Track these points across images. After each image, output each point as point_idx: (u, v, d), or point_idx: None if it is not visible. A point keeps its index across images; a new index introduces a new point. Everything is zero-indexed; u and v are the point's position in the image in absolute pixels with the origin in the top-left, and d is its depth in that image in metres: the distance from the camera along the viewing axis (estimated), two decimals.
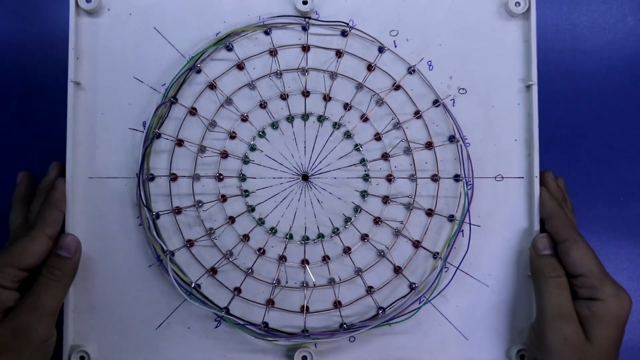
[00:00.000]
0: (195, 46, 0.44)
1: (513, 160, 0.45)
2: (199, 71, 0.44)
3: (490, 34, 0.45)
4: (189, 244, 0.43)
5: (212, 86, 0.44)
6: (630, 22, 0.51)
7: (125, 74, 0.44)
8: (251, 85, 0.44)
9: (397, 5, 0.45)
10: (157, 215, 0.43)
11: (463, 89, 0.45)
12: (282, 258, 0.44)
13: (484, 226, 0.44)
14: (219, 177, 0.44)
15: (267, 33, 0.45)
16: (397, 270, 0.44)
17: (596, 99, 0.50)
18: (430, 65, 0.45)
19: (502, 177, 0.45)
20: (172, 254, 0.43)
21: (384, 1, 0.45)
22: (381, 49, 0.45)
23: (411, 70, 0.45)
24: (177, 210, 0.44)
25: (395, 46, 0.45)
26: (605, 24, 0.47)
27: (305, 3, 0.44)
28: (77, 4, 0.44)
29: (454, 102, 0.45)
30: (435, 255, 0.44)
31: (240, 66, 0.44)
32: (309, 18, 0.44)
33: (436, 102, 0.44)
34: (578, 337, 0.38)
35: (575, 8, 0.51)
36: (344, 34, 0.45)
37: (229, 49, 0.44)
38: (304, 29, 0.45)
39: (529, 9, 0.44)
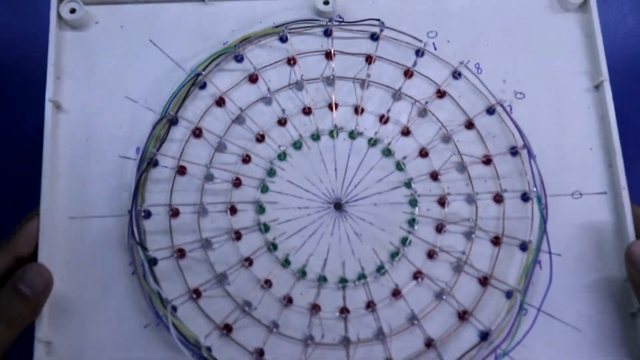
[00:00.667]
0: (196, 58, 0.45)
1: (591, 172, 0.44)
2: (203, 86, 0.45)
3: (545, 29, 0.47)
4: (196, 294, 0.41)
5: (220, 102, 0.44)
6: (630, 22, 0.57)
7: (115, 94, 0.45)
8: (267, 99, 0.45)
9: (431, 4, 0.47)
10: (155, 261, 0.42)
11: (520, 93, 0.45)
12: (315, 307, 0.41)
13: (565, 254, 0.43)
14: (231, 210, 0.43)
15: (283, 40, 0.46)
16: (463, 315, 0.42)
17: None
18: (478, 68, 0.46)
19: (581, 194, 0.44)
20: (174, 308, 0.41)
21: (417, 1, 0.47)
22: (419, 52, 0.46)
23: (456, 74, 0.45)
24: (180, 253, 0.42)
25: (435, 49, 0.46)
26: (605, 23, 0.52)
27: (326, 3, 0.45)
28: (59, 15, 0.45)
29: (511, 109, 0.45)
30: (509, 294, 0.42)
31: (253, 78, 0.45)
32: (333, 20, 0.46)
33: (490, 109, 0.45)
34: None
35: None
36: (373, 37, 0.46)
37: (239, 59, 0.45)
38: (327, 33, 0.46)
39: (586, 1, 0.46)
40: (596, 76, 0.45)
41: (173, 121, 0.44)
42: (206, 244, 0.42)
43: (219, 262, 0.42)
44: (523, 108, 0.45)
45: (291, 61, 0.46)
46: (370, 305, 0.42)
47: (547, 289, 0.42)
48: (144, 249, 0.41)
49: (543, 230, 0.42)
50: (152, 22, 0.46)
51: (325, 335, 0.41)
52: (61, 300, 0.41)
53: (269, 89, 0.45)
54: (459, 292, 0.42)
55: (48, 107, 0.43)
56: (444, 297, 0.42)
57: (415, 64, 0.46)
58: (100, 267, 0.42)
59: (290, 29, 0.46)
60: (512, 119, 0.44)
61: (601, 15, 0.46)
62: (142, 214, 0.43)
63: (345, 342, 0.41)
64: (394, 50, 0.46)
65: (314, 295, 0.42)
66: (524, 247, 0.43)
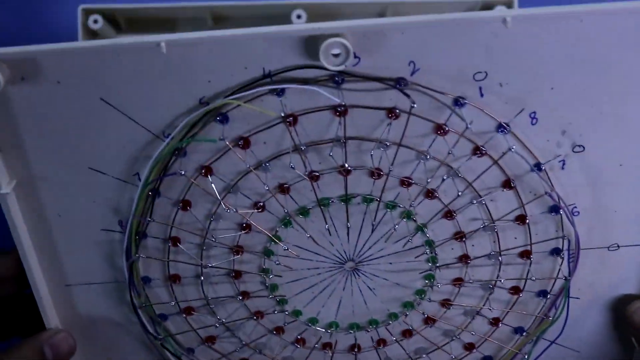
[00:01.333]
0: (166, 118, 0.43)
1: (637, 225, 0.47)
2: (184, 154, 0.44)
3: (625, 66, 0.42)
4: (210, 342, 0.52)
5: (206, 173, 0.44)
6: None
7: (76, 165, 0.44)
8: (264, 167, 0.44)
9: (485, 35, 0.40)
10: (164, 317, 0.50)
11: (580, 146, 0.44)
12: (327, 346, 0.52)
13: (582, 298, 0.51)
14: (236, 275, 0.49)
15: (279, 94, 0.42)
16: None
17: None
18: (533, 117, 0.43)
19: (618, 246, 0.48)
20: None
21: (464, 29, 0.40)
22: (458, 103, 0.42)
23: (503, 131, 0.43)
24: (188, 312, 0.50)
25: (482, 95, 0.42)
26: None
27: (336, 56, 0.40)
28: None
29: (563, 164, 0.45)
30: (519, 333, 0.52)
31: (243, 145, 0.43)
32: (343, 73, 0.41)
33: (538, 167, 0.45)
34: None
35: None
36: (400, 83, 0.42)
37: (222, 121, 0.43)
38: (337, 83, 0.42)
39: None
40: None
41: (155, 195, 0.45)
42: (214, 305, 0.50)
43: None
44: (579, 162, 0.45)
45: (290, 122, 0.43)
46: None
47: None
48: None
49: (567, 289, 0.49)
50: (97, 76, 0.41)
51: None
52: None
53: (264, 163, 0.44)
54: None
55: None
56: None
57: (448, 119, 0.43)
58: (108, 327, 0.51)
59: (285, 84, 0.41)
60: (553, 184, 0.45)
61: None
62: (141, 282, 0.49)
63: None
64: (423, 99, 0.42)
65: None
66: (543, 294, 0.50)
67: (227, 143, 0.43)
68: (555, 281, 0.49)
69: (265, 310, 0.51)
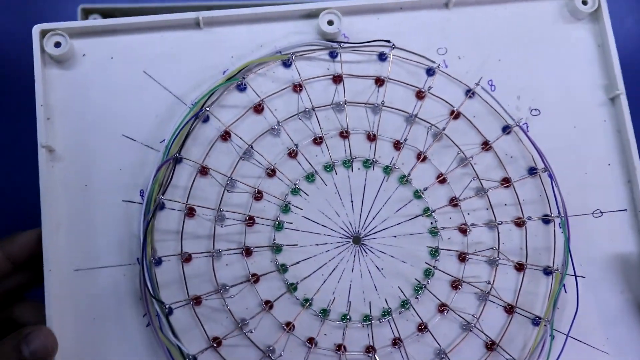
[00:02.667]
0: (197, 89, 0.51)
1: (610, 190, 0.52)
2: (206, 119, 0.51)
3: (557, 40, 0.55)
4: (217, 343, 0.48)
5: (225, 137, 0.51)
6: (628, 23, 0.68)
7: (111, 133, 0.51)
8: (274, 131, 0.51)
9: (440, 20, 0.54)
10: (170, 310, 0.48)
11: (536, 109, 0.53)
12: (341, 348, 0.49)
13: (589, 276, 0.51)
14: (246, 252, 0.49)
15: (287, 65, 0.52)
16: (491, 345, 0.49)
17: None
18: (491, 85, 0.53)
19: (601, 212, 0.52)
20: (195, 359, 0.48)
21: (424, 16, 0.54)
22: (430, 71, 0.53)
23: (471, 94, 0.53)
24: (196, 301, 0.49)
25: (446, 66, 0.53)
26: None
27: (331, 24, 0.52)
28: (42, 50, 0.50)
29: (527, 127, 0.53)
30: (536, 321, 0.50)
31: (258, 108, 0.51)
32: (340, 42, 0.52)
33: (506, 129, 0.52)
34: None
35: None
36: (382, 57, 0.53)
37: (242, 88, 0.52)
38: (333, 55, 0.52)
39: (599, 7, 0.54)
40: (611, 88, 0.53)
41: (177, 160, 0.50)
42: (223, 290, 0.49)
43: (237, 307, 0.49)
44: (539, 125, 0.53)
45: (297, 88, 0.52)
46: (396, 342, 0.49)
47: (575, 314, 0.50)
48: (160, 302, 0.48)
49: (567, 255, 0.50)
50: (144, 52, 0.52)
51: None
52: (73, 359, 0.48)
53: (278, 122, 0.51)
54: (486, 322, 0.50)
55: (42, 154, 0.49)
56: (471, 329, 0.50)
57: (427, 84, 0.53)
58: (111, 321, 0.49)
59: (295, 53, 0.52)
60: (530, 140, 0.52)
61: None
62: (153, 262, 0.49)
63: None
64: (402, 71, 0.53)
65: (338, 335, 0.49)
66: (547, 272, 0.51)
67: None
68: (554, 255, 0.51)
69: (274, 296, 0.49)
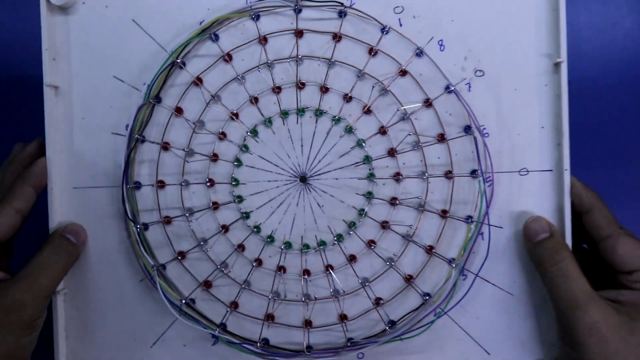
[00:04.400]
0: (177, 38, 0.59)
1: (540, 151, 0.57)
2: (182, 66, 0.59)
3: (510, 4, 0.57)
4: (180, 256, 0.59)
5: (197, 82, 0.59)
6: (628, 23, 0.68)
7: (104, 74, 0.60)
8: (240, 79, 0.59)
9: None
10: (146, 227, 0.59)
11: (480, 70, 0.57)
12: (281, 269, 0.59)
13: (506, 227, 0.57)
14: (210, 183, 0.59)
15: (254, 19, 0.58)
16: (408, 279, 0.58)
17: (595, 99, 0.66)
18: (441, 45, 0.58)
19: (527, 171, 0.57)
20: (163, 267, 0.59)
21: None
22: (384, 30, 0.58)
23: (419, 52, 0.57)
24: (166, 221, 0.59)
25: (401, 25, 0.58)
26: (604, 24, 0.62)
27: None
28: (48, 0, 0.59)
29: (469, 87, 0.57)
30: (451, 262, 0.57)
31: (226, 58, 0.59)
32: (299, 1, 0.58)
33: (448, 88, 0.57)
34: (607, 326, 0.51)
35: (573, 9, 0.67)
36: (340, 14, 0.58)
37: (214, 39, 0.59)
38: (296, 11, 0.58)
39: None
40: (556, 56, 0.56)
41: (155, 102, 0.59)
42: (189, 214, 0.59)
43: (199, 229, 0.59)
44: (482, 86, 0.58)
45: (261, 41, 0.59)
46: (328, 269, 0.59)
47: (485, 258, 0.57)
48: (134, 221, 0.59)
49: (484, 206, 0.57)
50: (135, 2, 0.60)
51: (288, 294, 0.59)
52: None
53: (240, 76, 0.59)
54: (407, 259, 0.58)
55: (47, 91, 0.59)
56: (393, 264, 0.58)
57: (380, 43, 0.58)
58: (100, 231, 0.60)
59: (259, 9, 0.58)
60: (462, 100, 0.57)
61: (600, 15, 0.57)
62: (134, 185, 0.59)
63: (306, 299, 0.58)
64: (361, 29, 0.58)
65: (280, 258, 0.59)
66: (468, 220, 0.57)
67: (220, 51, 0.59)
68: (477, 205, 0.57)
69: (230, 222, 0.59)
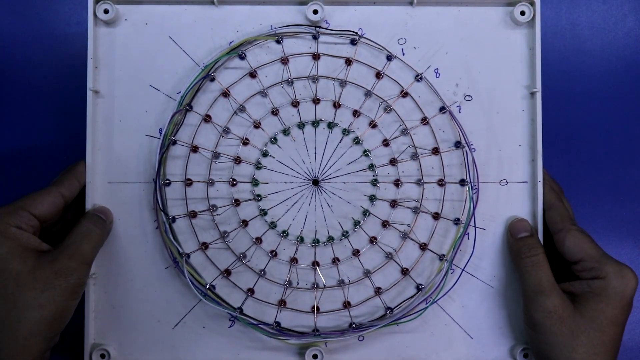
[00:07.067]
0: (209, 55, 0.68)
1: (517, 165, 0.68)
2: (212, 79, 0.67)
3: (496, 42, 0.68)
4: (204, 246, 0.67)
5: (225, 94, 0.67)
6: (630, 22, 0.74)
7: (141, 82, 0.67)
8: (263, 93, 0.67)
9: (404, 15, 0.68)
10: (174, 219, 0.67)
11: (469, 95, 0.68)
12: (294, 260, 0.67)
13: (488, 229, 0.67)
14: (233, 182, 0.67)
15: (278, 42, 0.68)
16: (405, 272, 0.67)
17: (596, 99, 0.74)
18: (437, 72, 0.68)
19: (507, 182, 0.68)
20: (188, 256, 0.66)
21: (392, 11, 0.68)
22: (389, 57, 0.68)
23: (418, 78, 0.68)
24: (193, 214, 0.67)
25: (403, 54, 0.68)
26: (605, 24, 0.70)
27: (315, 12, 0.67)
28: (95, 15, 0.66)
29: (460, 109, 0.68)
30: (441, 258, 0.67)
31: (252, 74, 0.67)
32: (319, 27, 0.67)
33: (442, 109, 0.67)
34: (563, 310, 0.61)
35: (575, 8, 0.76)
36: (353, 42, 0.68)
37: (242, 57, 0.68)
38: (315, 37, 0.68)
39: (534, 17, 0.67)
40: (532, 86, 0.67)
41: (188, 109, 0.67)
42: (213, 209, 0.67)
43: (222, 223, 0.67)
44: (470, 109, 0.68)
45: (284, 61, 0.68)
46: (335, 261, 0.67)
47: (471, 255, 0.67)
48: (166, 213, 0.66)
49: (471, 210, 0.67)
50: (171, 21, 0.68)
51: (300, 282, 0.67)
52: (104, 246, 0.67)
53: (264, 90, 0.67)
54: (403, 254, 0.67)
55: (89, 95, 0.66)
56: (392, 258, 0.67)
57: (385, 68, 0.68)
58: (131, 222, 0.67)
59: (283, 34, 0.67)
60: (455, 120, 0.67)
61: (601, 15, 0.67)
62: (165, 182, 0.67)
63: (315, 287, 0.67)
64: (368, 54, 0.68)
65: (293, 251, 0.67)
66: (457, 222, 0.67)
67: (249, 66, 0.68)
68: (464, 210, 0.67)
69: (250, 218, 0.67)
